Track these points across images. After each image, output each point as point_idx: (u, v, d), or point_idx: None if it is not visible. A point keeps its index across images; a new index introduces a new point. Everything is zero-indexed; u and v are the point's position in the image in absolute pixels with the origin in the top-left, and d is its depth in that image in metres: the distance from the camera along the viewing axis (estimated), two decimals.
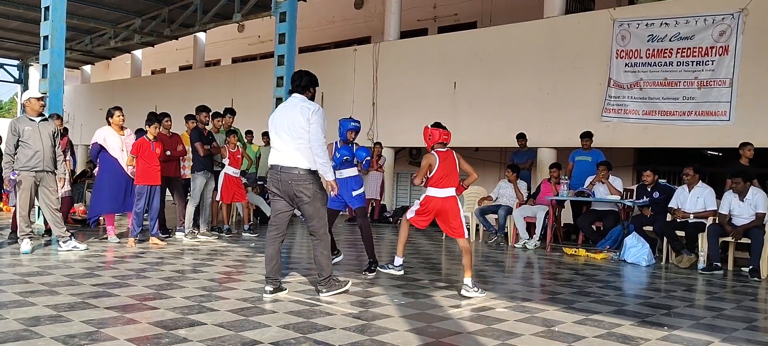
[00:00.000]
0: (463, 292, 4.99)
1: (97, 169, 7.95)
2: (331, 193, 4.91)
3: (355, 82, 13.62)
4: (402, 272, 5.79)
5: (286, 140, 4.67)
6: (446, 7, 15.32)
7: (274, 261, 4.74)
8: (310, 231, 4.82)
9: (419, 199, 5.60)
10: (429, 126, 5.48)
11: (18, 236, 6.73)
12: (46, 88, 8.88)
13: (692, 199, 7.47)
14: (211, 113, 8.66)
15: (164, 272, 5.58)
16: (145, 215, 7.55)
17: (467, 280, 5.02)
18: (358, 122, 6.23)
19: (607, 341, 3.79)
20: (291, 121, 4.66)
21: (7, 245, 7.00)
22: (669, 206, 7.70)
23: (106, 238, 7.64)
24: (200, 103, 8.91)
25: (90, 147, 7.88)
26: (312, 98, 4.88)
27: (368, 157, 6.12)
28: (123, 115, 7.61)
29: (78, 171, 14.42)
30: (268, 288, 4.73)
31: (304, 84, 4.84)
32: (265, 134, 12.40)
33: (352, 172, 6.05)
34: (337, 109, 13.86)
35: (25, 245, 6.46)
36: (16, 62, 21.58)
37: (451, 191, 5.36)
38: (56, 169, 6.69)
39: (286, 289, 4.87)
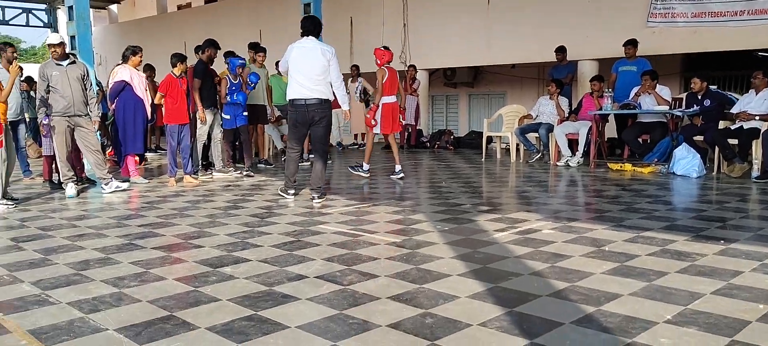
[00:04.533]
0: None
1: (113, 108, 7.79)
2: (344, 119, 6.63)
3: (384, 5, 13.19)
4: (369, 175, 7.49)
5: (312, 78, 5.70)
6: None
7: (296, 173, 6.05)
8: (316, 149, 5.95)
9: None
10: (382, 49, 7.46)
11: (60, 181, 6.82)
12: (74, 31, 8.81)
13: (758, 103, 7.06)
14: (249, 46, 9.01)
15: (206, 210, 5.61)
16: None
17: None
18: (244, 59, 8.19)
19: (661, 258, 3.64)
20: (316, 63, 5.71)
21: (49, 193, 7.12)
22: (732, 111, 7.32)
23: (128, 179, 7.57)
24: (227, 36, 8.76)
25: (109, 87, 7.76)
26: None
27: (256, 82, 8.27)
28: (142, 56, 7.55)
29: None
30: (291, 192, 6.04)
31: (319, 28, 5.93)
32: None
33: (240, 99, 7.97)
34: (367, 32, 13.51)
35: (70, 189, 6.55)
36: (43, 6, 21.58)
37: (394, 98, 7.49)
38: (90, 112, 6.66)
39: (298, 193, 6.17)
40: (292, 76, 5.77)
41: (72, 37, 8.88)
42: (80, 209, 5.88)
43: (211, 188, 7.09)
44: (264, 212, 5.43)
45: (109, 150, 9.69)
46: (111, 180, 6.78)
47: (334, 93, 5.91)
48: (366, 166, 7.54)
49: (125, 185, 6.87)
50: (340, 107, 6.42)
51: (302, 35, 5.89)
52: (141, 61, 7.65)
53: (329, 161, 8.26)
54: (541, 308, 2.85)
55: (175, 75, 7.25)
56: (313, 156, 6.07)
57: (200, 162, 8.13)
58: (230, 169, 8.15)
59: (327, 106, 5.80)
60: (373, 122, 7.44)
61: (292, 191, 6.04)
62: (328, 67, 5.75)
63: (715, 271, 3.37)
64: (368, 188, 6.91)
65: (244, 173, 7.98)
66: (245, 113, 8.12)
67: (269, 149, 10.38)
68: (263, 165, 8.96)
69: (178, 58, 7.30)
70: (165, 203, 6.09)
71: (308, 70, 5.69)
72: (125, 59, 7.59)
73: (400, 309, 2.86)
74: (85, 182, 7.44)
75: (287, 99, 5.89)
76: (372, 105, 7.52)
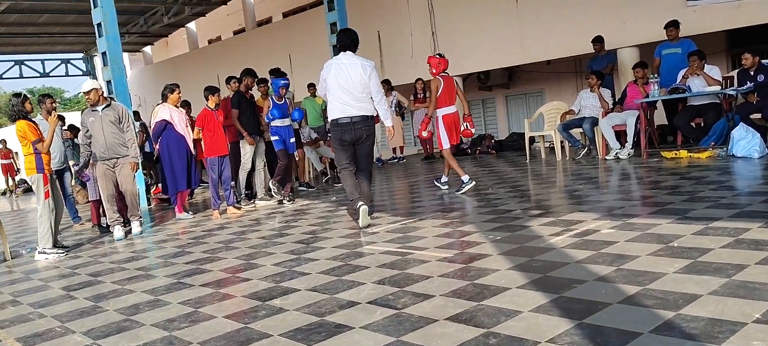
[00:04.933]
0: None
1: (157, 148, 7.88)
2: (389, 137, 6.04)
3: (410, 15, 13.08)
4: (474, 183, 6.88)
5: (355, 95, 5.50)
6: None
7: (358, 188, 5.64)
8: (361, 167, 5.70)
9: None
10: (437, 56, 7.02)
11: (107, 224, 6.89)
12: (110, 75, 8.97)
13: None
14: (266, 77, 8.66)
15: (251, 240, 5.54)
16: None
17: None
18: (287, 79, 7.88)
19: (738, 249, 3.36)
20: (357, 79, 5.50)
21: (98, 237, 7.19)
22: None
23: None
24: (258, 65, 8.76)
25: (152, 127, 7.86)
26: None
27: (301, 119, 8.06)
28: (180, 93, 7.61)
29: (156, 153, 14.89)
30: (361, 203, 5.47)
31: (357, 43, 5.64)
32: (311, 85, 12.08)
33: (286, 122, 7.69)
34: (396, 44, 13.42)
35: (118, 231, 6.60)
36: (80, 55, 22.25)
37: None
38: (127, 153, 6.69)
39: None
40: (332, 94, 5.55)
41: (108, 82, 9.03)
42: (128, 250, 5.89)
43: (255, 217, 7.04)
44: (309, 238, 5.33)
45: (155, 188, 9.82)
46: (122, 223, 6.72)
47: (375, 109, 5.71)
48: (466, 178, 6.84)
49: (119, 235, 6.65)
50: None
51: (339, 50, 5.67)
52: (180, 97, 7.70)
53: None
54: (614, 317, 2.63)
55: (210, 108, 7.28)
56: (359, 175, 5.74)
57: (243, 191, 8.08)
58: (287, 194, 7.87)
59: (372, 122, 5.65)
60: (424, 133, 7.20)
61: (361, 202, 5.53)
62: (368, 82, 5.53)
63: None
64: (412, 202, 6.75)
65: (287, 199, 7.82)
66: (293, 140, 7.85)
67: (309, 172, 10.33)
68: (305, 188, 8.90)
69: (210, 91, 7.33)
70: (211, 236, 6.06)
71: (350, 87, 5.49)
72: (164, 98, 7.66)
73: (461, 331, 2.68)
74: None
75: (330, 119, 5.67)
76: (424, 116, 7.12)
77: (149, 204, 9.42)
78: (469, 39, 12.16)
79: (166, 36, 22.54)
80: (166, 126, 7.52)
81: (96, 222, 7.49)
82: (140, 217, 6.88)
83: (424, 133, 7.21)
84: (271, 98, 7.71)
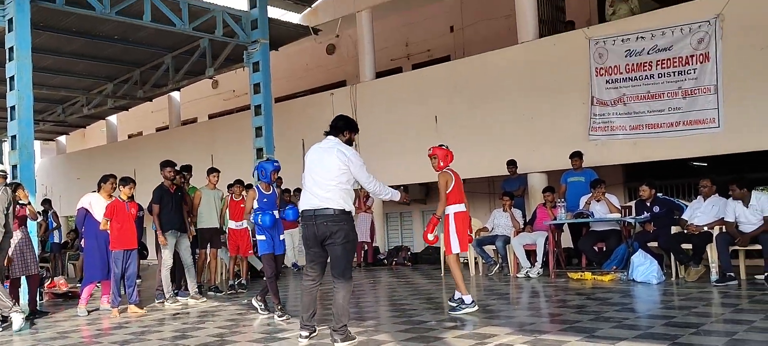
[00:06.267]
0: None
1: (82, 239, 7.59)
2: (403, 198, 5.23)
3: None
4: (476, 307, 5.79)
5: (320, 182, 4.71)
6: (418, 45, 15.31)
7: (312, 308, 4.79)
8: (334, 275, 4.66)
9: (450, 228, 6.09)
10: (443, 147, 6.20)
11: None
12: (17, 160, 8.50)
13: (706, 209, 7.28)
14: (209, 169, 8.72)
15: (151, 343, 5.17)
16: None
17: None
18: (278, 162, 6.63)
19: None
20: (327, 164, 4.73)
21: None
22: (682, 217, 7.50)
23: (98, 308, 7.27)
24: (180, 162, 8.59)
25: (75, 214, 7.53)
26: (349, 142, 4.92)
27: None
28: (115, 184, 7.31)
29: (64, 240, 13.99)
30: (303, 333, 4.78)
31: (340, 126, 4.90)
32: (249, 186, 12.06)
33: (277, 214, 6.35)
34: None
35: (17, 320, 6.02)
36: None
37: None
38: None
39: (316, 332, 4.89)
40: (303, 182, 4.87)
41: (14, 167, 8.55)
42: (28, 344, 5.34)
43: (158, 317, 6.62)
44: (216, 341, 5.04)
45: (50, 282, 9.14)
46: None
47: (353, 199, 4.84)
48: (468, 299, 5.77)
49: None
50: (296, 228, 6.10)
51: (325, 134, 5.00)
52: (114, 187, 7.38)
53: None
54: None
55: (122, 199, 7.02)
56: (334, 282, 4.69)
57: (167, 290, 7.61)
58: (277, 303, 6.16)
59: (343, 218, 4.65)
60: (430, 236, 6.04)
61: (306, 333, 4.77)
62: (346, 170, 4.69)
63: None
64: (327, 308, 6.60)
65: (277, 313, 6.06)
66: (283, 237, 6.45)
67: (222, 275, 9.95)
68: (213, 292, 8.52)
69: (124, 182, 7.10)
70: (105, 336, 5.61)
71: (318, 175, 4.72)
72: (99, 187, 7.45)
73: None
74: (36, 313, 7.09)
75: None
76: (432, 216, 6.09)
77: (42, 298, 8.68)
78: (389, 153, 12.53)
79: (84, 127, 21.85)
80: (86, 215, 7.27)
81: None
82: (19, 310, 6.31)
83: (431, 237, 6.07)
84: (257, 188, 6.43)
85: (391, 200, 5.08)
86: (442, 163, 6.11)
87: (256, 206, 6.29)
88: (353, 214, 4.77)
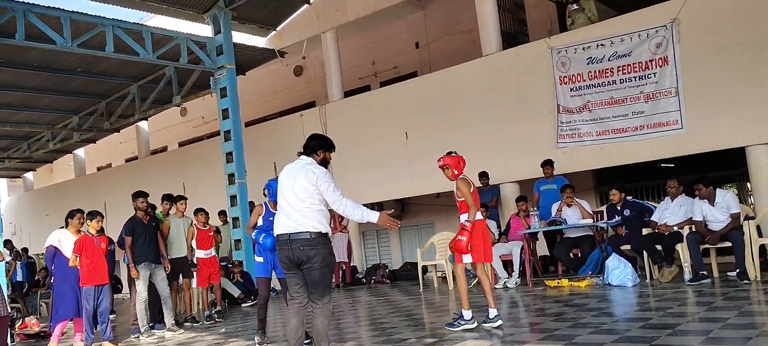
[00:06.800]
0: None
1: (52, 277, 7.45)
2: (395, 226, 4.75)
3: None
4: (476, 324, 5.56)
5: (293, 203, 4.52)
6: (385, 62, 15.41)
7: (300, 332, 4.56)
8: (312, 299, 4.52)
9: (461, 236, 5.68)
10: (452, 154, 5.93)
11: None
12: None
13: (674, 209, 7.43)
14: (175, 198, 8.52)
15: None
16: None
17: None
18: None
19: None
20: (297, 185, 4.54)
21: None
22: (652, 219, 7.64)
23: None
24: (151, 192, 8.45)
25: (44, 252, 7.38)
26: (324, 162, 4.72)
27: None
28: (83, 219, 7.16)
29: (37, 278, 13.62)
30: None
31: (312, 146, 4.73)
32: (222, 213, 11.98)
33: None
34: None
35: None
36: None
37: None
38: None
39: None
40: (278, 205, 4.70)
41: None
42: None
43: None
44: None
45: (21, 323, 8.91)
46: None
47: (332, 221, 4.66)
48: (468, 314, 5.57)
49: None
50: None
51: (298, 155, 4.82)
52: (82, 222, 7.23)
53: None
54: None
55: (90, 233, 6.89)
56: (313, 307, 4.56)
57: (142, 325, 7.46)
58: (259, 331, 6.08)
59: (321, 241, 4.48)
60: (466, 244, 5.65)
61: None
62: (315, 189, 4.50)
63: None
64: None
65: (257, 339, 6.05)
66: None
67: (198, 304, 9.79)
68: (190, 322, 8.38)
69: (91, 216, 6.97)
70: None
71: (291, 196, 4.53)
72: (67, 224, 7.31)
73: None
74: None
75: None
76: (464, 224, 5.69)
77: (13, 340, 8.44)
78: (362, 172, 12.53)
79: (51, 162, 21.41)
80: (55, 252, 7.14)
81: None
82: None
83: (466, 245, 5.63)
84: (266, 205, 6.13)
85: (371, 221, 4.63)
86: (456, 172, 5.86)
87: (260, 222, 6.07)
88: (330, 235, 4.63)
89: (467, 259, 5.69)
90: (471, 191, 5.74)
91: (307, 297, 4.57)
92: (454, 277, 9.31)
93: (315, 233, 4.47)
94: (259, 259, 6.10)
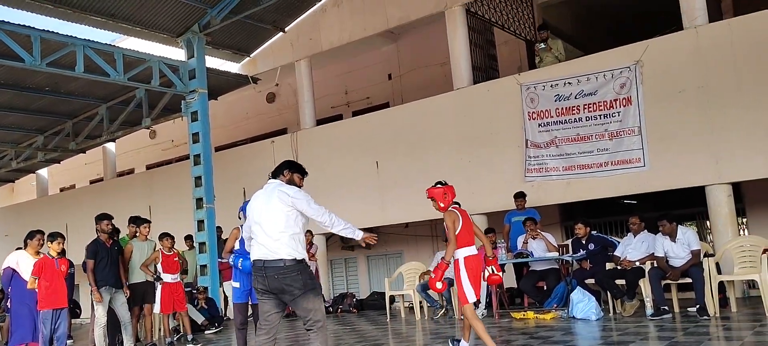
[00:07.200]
0: None
1: (9, 300, 7.27)
2: (372, 241, 4.72)
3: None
4: None
5: (267, 230, 4.37)
6: (358, 92, 15.54)
7: None
8: (307, 326, 4.37)
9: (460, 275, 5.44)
10: (439, 185, 5.59)
11: None
12: None
13: (637, 244, 7.61)
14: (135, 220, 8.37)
15: None
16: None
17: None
18: None
19: None
20: (269, 209, 4.41)
21: None
22: (615, 254, 7.81)
23: None
24: (115, 214, 8.31)
25: (1, 274, 7.19)
26: (291, 182, 4.65)
27: None
28: (43, 240, 7.01)
29: None
30: None
31: (279, 167, 4.71)
32: (188, 238, 11.83)
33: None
34: None
35: None
36: None
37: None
38: None
39: None
40: (252, 232, 4.56)
41: None
42: None
43: None
44: None
45: None
46: None
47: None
48: None
49: None
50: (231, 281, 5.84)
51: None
52: (41, 244, 7.07)
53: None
54: None
55: (51, 255, 6.75)
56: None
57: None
58: None
59: (294, 268, 4.33)
60: (438, 285, 5.51)
61: None
62: (291, 210, 4.38)
63: None
64: None
65: None
66: None
67: (160, 330, 9.57)
68: None
69: (52, 237, 6.84)
70: None
71: (265, 222, 4.38)
72: (26, 245, 7.17)
73: None
74: None
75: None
76: (439, 261, 5.47)
77: None
78: (332, 200, 12.48)
79: (12, 181, 20.86)
80: (12, 274, 7.04)
81: None
82: None
83: (439, 285, 5.52)
84: (242, 228, 5.88)
85: (352, 237, 4.65)
86: (442, 204, 5.56)
87: (237, 246, 5.92)
88: (307, 261, 4.48)
89: (471, 297, 5.44)
90: (459, 226, 5.42)
91: (275, 328, 4.45)
92: (411, 307, 9.33)
93: (290, 260, 4.32)
94: (236, 284, 5.96)
